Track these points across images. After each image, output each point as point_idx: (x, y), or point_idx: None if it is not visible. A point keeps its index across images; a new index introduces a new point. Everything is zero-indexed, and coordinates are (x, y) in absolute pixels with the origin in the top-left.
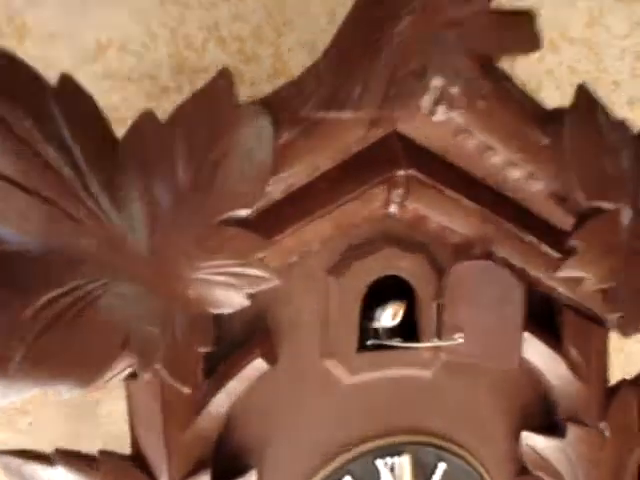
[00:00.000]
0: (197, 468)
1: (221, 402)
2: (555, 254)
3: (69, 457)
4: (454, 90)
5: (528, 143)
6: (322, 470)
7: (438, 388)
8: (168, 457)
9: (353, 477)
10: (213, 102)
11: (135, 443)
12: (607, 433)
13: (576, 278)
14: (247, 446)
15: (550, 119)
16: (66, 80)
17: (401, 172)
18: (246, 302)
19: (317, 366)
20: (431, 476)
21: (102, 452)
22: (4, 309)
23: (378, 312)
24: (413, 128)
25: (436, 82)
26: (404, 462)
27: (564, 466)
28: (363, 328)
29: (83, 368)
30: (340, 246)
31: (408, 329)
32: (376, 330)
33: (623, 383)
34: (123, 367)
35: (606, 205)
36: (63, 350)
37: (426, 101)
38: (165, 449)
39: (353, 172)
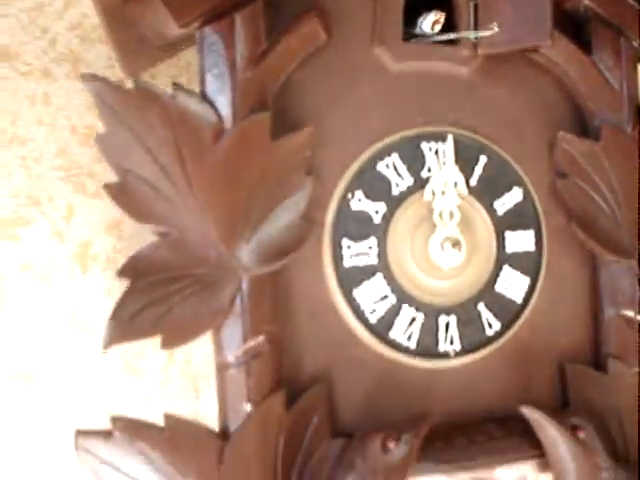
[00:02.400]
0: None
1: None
2: None
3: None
4: None
5: None
6: (370, 148)
7: (479, 89)
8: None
9: (400, 155)
10: None
11: None
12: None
13: None
14: (299, 106)
15: None
16: None
17: None
18: None
19: (367, 52)
20: (474, 166)
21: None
22: None
23: (420, 20)
24: None
25: None
26: (447, 148)
27: (598, 172)
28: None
29: None
30: None
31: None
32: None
33: None
34: None
35: None
36: None
37: None
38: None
39: None
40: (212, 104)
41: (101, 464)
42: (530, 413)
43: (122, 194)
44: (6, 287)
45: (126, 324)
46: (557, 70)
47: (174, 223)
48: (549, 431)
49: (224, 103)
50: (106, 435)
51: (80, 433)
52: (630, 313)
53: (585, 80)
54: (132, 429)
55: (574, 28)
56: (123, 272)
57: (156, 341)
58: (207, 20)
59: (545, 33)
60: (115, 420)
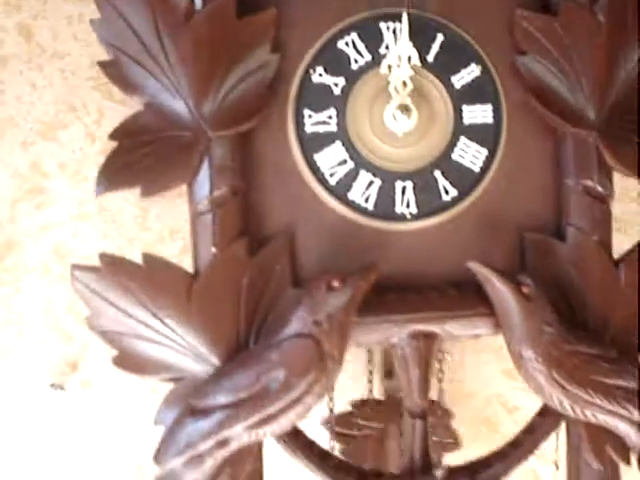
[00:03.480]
0: None
1: None
2: None
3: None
4: None
5: None
6: (332, 27)
7: None
8: None
9: (359, 34)
10: None
11: None
12: (601, 17)
13: None
14: None
15: None
16: None
17: None
18: None
19: None
20: (431, 44)
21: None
22: None
23: None
24: None
25: None
26: (402, 26)
27: (558, 47)
28: None
29: None
30: None
31: None
32: None
33: None
34: None
35: None
36: None
37: None
38: None
39: None
40: None
41: (91, 293)
42: (477, 267)
43: (114, 70)
44: (48, 184)
45: (113, 176)
46: None
47: (154, 92)
48: (496, 285)
49: None
50: (96, 270)
51: (75, 267)
52: (589, 182)
53: None
54: (115, 264)
55: None
56: (113, 135)
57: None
58: None
59: None
60: (102, 256)
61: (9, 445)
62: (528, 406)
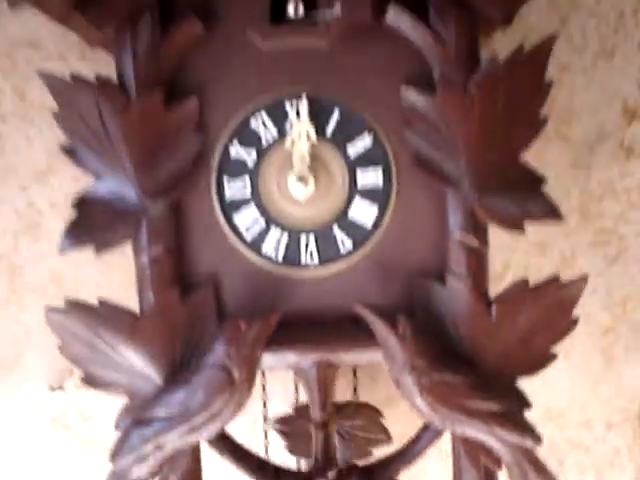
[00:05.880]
0: None
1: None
2: None
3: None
4: None
5: None
6: (244, 108)
7: (336, 57)
8: None
9: (267, 113)
10: None
11: None
12: (474, 93)
13: None
14: (191, 80)
15: None
16: None
17: None
18: None
19: (242, 34)
20: (329, 118)
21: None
22: None
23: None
24: None
25: None
26: (302, 105)
27: (439, 120)
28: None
29: None
30: None
31: None
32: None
33: (490, 60)
34: None
35: None
36: None
37: None
38: None
39: None
40: (123, 85)
41: (62, 329)
42: (361, 310)
43: (73, 154)
44: (43, 220)
45: (73, 237)
46: (402, 36)
47: (102, 170)
48: (376, 326)
49: (131, 84)
50: (65, 311)
51: (49, 309)
52: (466, 236)
53: (425, 43)
54: (79, 308)
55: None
56: (74, 204)
57: None
58: (119, 27)
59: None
60: (68, 302)
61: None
62: None
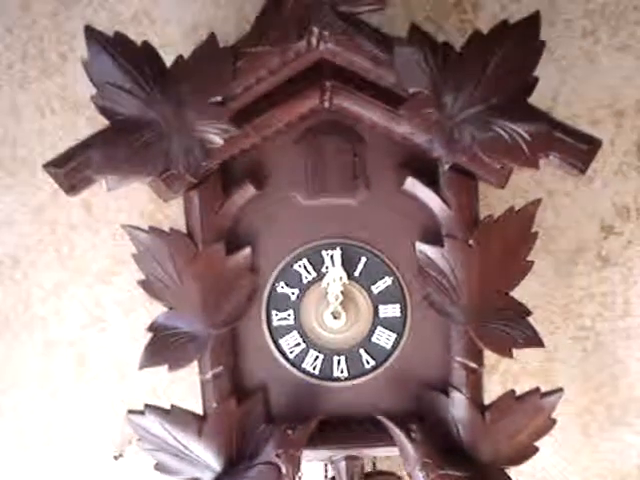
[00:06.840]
0: None
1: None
2: None
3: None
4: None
5: None
6: (289, 254)
7: (365, 212)
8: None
9: (307, 259)
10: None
11: None
12: (474, 246)
13: None
14: (246, 232)
15: None
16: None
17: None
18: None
19: (287, 193)
20: (357, 264)
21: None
22: None
23: None
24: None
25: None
26: (337, 254)
27: (446, 267)
28: None
29: None
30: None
31: None
32: None
33: (487, 218)
34: None
35: None
36: None
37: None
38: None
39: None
40: (192, 237)
41: (138, 427)
42: (381, 418)
43: (148, 287)
44: (107, 316)
45: (150, 355)
46: (417, 198)
47: (174, 302)
48: (394, 431)
49: (198, 236)
50: (141, 412)
51: (130, 412)
52: (466, 360)
53: (434, 205)
54: (153, 411)
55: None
56: (149, 328)
57: None
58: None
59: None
60: (146, 406)
61: None
62: None
